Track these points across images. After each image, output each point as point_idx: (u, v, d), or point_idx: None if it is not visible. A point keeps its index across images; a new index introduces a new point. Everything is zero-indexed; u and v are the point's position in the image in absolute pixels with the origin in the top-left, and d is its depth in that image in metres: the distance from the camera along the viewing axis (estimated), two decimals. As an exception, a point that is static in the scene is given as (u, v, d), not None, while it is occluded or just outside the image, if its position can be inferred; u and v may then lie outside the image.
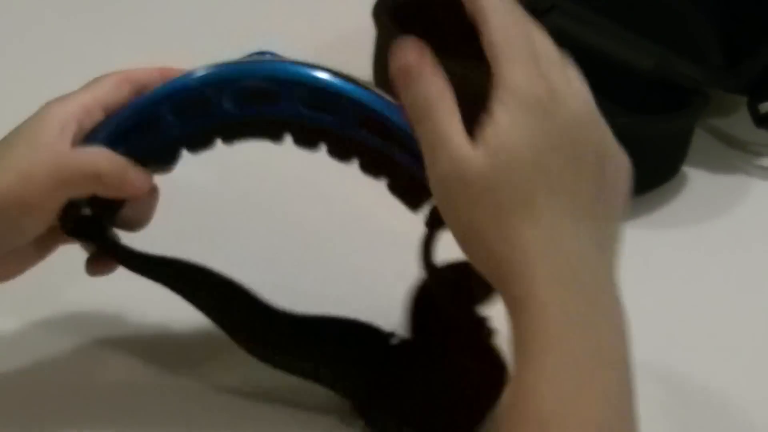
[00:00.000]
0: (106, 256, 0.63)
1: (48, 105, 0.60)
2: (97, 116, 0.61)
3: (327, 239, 0.76)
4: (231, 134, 0.60)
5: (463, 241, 0.52)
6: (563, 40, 0.95)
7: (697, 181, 0.87)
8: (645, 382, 0.66)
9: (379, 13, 0.88)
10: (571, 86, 0.52)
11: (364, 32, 0.88)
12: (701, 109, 0.84)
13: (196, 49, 0.93)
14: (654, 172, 0.83)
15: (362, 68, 0.88)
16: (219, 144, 0.60)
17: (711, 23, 0.87)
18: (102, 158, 0.59)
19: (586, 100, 0.53)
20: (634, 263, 0.76)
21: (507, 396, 0.50)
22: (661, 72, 0.86)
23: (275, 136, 0.60)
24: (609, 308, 0.52)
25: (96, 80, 0.62)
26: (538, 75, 0.51)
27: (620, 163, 0.55)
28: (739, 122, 0.92)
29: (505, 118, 0.50)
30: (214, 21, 1.03)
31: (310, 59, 0.60)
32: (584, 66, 0.90)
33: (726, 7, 0.86)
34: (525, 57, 0.51)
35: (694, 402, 0.65)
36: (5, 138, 0.60)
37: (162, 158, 0.61)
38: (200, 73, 0.60)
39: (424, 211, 0.59)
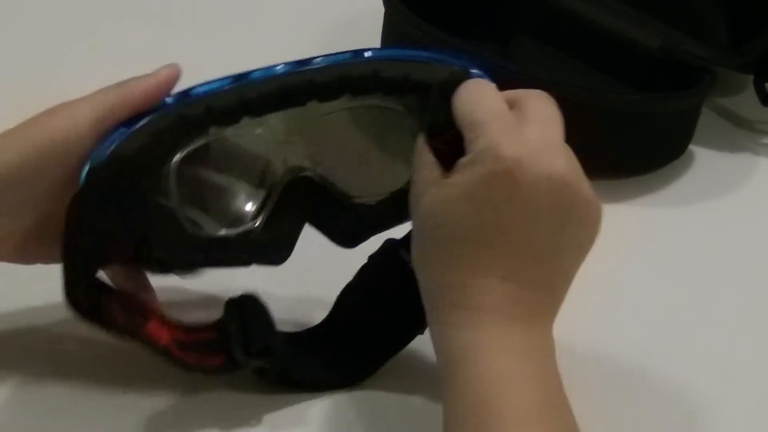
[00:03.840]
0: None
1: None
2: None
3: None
4: None
5: (419, 266, 0.57)
6: (571, 18, 0.95)
7: (704, 160, 0.87)
8: (648, 357, 0.67)
9: (388, -7, 0.88)
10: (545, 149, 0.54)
11: (374, 12, 0.89)
12: (708, 88, 0.84)
13: (206, 28, 0.94)
14: (661, 151, 0.84)
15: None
16: None
17: (718, 2, 0.87)
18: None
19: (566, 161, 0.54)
20: (641, 241, 0.77)
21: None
22: (667, 50, 0.86)
23: None
24: (547, 339, 0.56)
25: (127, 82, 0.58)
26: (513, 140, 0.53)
27: (590, 213, 0.56)
28: (746, 101, 0.92)
29: (464, 168, 0.54)
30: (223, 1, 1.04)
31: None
32: (592, 44, 0.91)
33: (733, -15, 0.86)
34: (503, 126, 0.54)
35: (699, 378, 0.66)
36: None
37: None
38: None
39: None
